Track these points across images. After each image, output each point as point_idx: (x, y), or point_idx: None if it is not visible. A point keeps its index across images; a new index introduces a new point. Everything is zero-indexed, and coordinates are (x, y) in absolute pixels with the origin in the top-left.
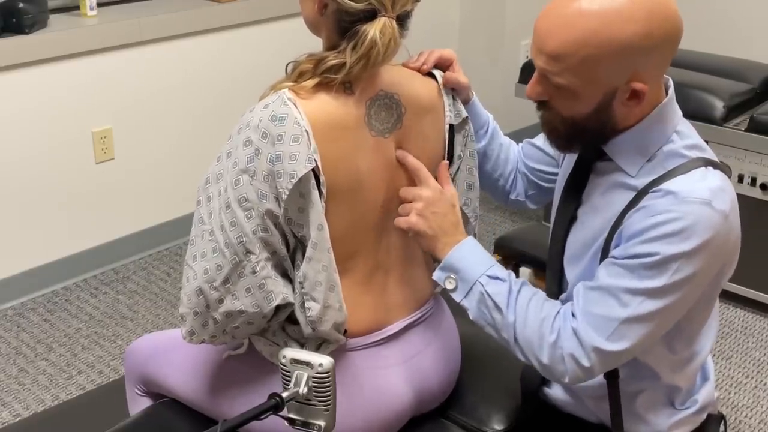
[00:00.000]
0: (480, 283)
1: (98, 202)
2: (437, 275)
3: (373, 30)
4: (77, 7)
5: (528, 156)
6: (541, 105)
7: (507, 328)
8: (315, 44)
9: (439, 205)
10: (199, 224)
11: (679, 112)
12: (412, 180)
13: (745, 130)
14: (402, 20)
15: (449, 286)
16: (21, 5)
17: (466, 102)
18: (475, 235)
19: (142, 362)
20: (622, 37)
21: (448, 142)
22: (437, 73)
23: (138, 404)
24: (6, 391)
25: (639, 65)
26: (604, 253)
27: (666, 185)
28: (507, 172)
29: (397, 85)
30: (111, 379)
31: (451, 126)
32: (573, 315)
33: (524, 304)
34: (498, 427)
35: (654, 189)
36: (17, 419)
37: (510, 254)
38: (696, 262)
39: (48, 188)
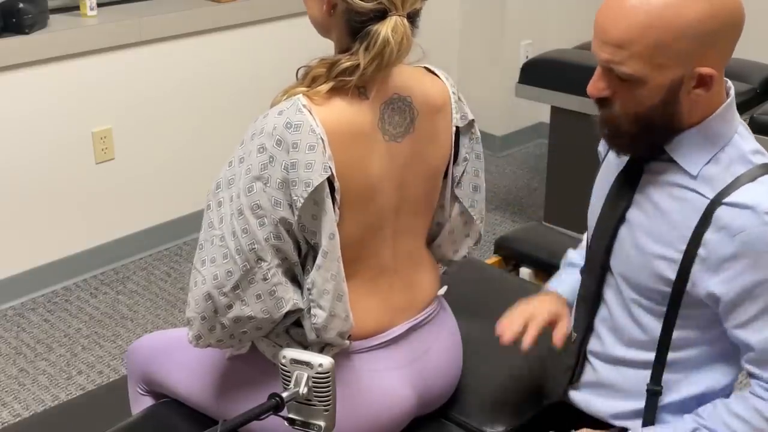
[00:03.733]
0: None
1: (98, 202)
2: None
3: (385, 29)
4: (77, 7)
5: None
6: (603, 103)
7: None
8: (316, 44)
9: None
10: (209, 229)
11: (738, 115)
12: (424, 182)
13: None
14: (412, 18)
15: None
16: (21, 5)
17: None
18: (480, 236)
19: (143, 362)
20: (686, 18)
21: (454, 143)
22: (440, 73)
23: (140, 403)
24: (6, 391)
25: (704, 48)
26: (684, 271)
27: (737, 197)
28: None
29: (410, 87)
30: (111, 379)
31: (457, 127)
32: None
33: (726, 429)
34: (498, 427)
35: (725, 201)
36: (17, 419)
37: (510, 254)
38: None
39: (48, 188)
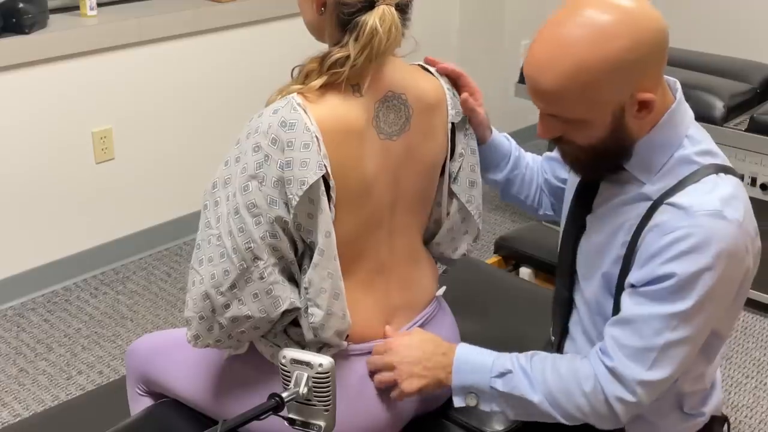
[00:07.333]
0: (493, 387)
1: (98, 202)
2: (457, 402)
3: (372, 18)
4: (77, 7)
5: (549, 171)
6: (557, 140)
7: (544, 408)
8: (315, 44)
9: (413, 351)
10: (206, 228)
11: (691, 115)
12: (419, 179)
13: (745, 130)
14: (402, 9)
15: (472, 402)
16: (21, 5)
17: (483, 142)
18: (479, 232)
19: (143, 362)
20: (612, 54)
21: (450, 139)
22: (435, 70)
23: (139, 404)
24: (6, 391)
25: (637, 76)
26: (625, 268)
27: (677, 198)
28: (532, 192)
29: (405, 85)
30: (111, 379)
31: (453, 124)
32: (604, 353)
33: (542, 378)
34: (498, 427)
35: (666, 201)
36: (17, 419)
37: (510, 254)
38: (717, 274)
39: (48, 188)
